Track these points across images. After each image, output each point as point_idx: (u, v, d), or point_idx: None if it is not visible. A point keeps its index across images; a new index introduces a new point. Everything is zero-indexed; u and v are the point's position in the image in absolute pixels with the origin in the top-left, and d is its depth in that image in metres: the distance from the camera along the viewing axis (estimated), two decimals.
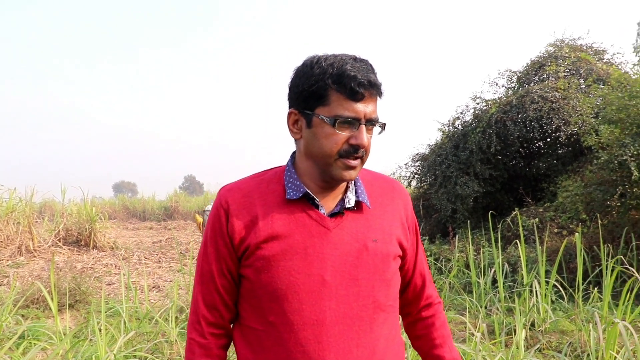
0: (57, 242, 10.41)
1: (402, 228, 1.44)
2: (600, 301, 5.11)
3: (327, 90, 1.26)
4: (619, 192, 6.46)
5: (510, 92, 11.01)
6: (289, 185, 1.36)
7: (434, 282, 1.69)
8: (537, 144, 10.24)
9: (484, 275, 6.19)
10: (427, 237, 9.53)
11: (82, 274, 7.46)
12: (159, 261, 10.16)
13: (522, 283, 5.63)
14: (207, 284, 1.37)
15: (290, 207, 1.34)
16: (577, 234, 5.51)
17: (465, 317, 4.70)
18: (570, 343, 4.36)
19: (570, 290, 5.56)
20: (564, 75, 9.96)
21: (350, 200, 1.37)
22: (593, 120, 8.47)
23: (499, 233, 6.68)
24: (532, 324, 4.89)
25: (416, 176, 11.14)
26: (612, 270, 4.88)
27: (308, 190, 1.35)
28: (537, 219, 7.87)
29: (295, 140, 1.39)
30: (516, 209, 7.95)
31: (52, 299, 4.21)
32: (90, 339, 4.57)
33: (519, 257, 6.18)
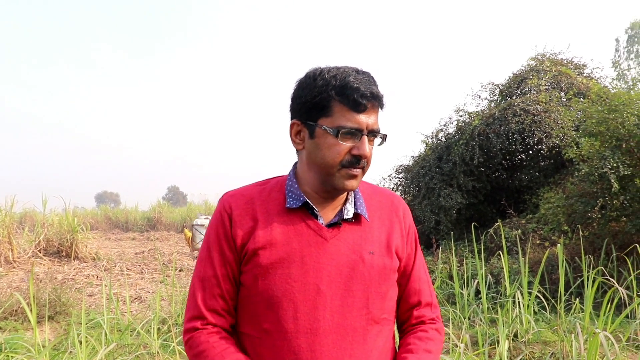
0: (38, 252, 10.27)
1: (400, 240, 1.45)
2: (582, 312, 5.15)
3: (330, 102, 1.28)
4: (599, 204, 6.54)
5: (492, 104, 11.13)
6: (290, 194, 1.38)
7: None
8: (519, 157, 10.35)
9: (467, 286, 6.21)
10: None
11: (62, 285, 7.36)
12: (142, 272, 10.05)
13: (505, 294, 5.66)
14: (210, 290, 1.35)
15: (290, 216, 1.36)
16: (559, 245, 5.56)
17: (449, 328, 4.70)
18: (552, 353, 4.39)
19: (553, 301, 5.60)
20: (545, 89, 10.10)
21: (349, 212, 1.39)
22: (574, 133, 8.60)
23: (482, 244, 6.72)
24: (515, 335, 4.92)
25: (400, 188, 11.18)
26: (594, 281, 4.93)
27: (308, 200, 1.36)
28: (519, 231, 7.94)
29: (297, 151, 1.41)
30: (499, 220, 8.01)
31: (31, 310, 4.15)
32: (70, 351, 4.50)
33: (502, 268, 6.21)
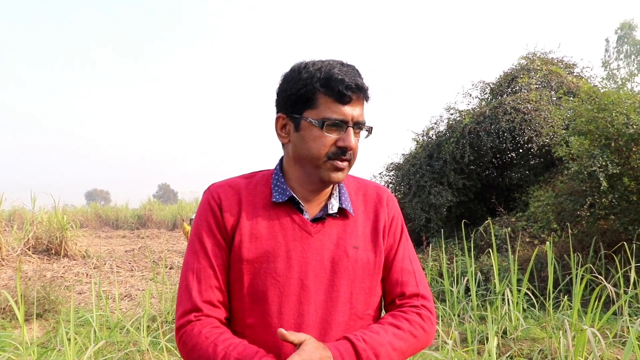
0: (27, 250, 10.19)
1: (382, 231, 1.43)
2: (570, 309, 5.18)
3: (315, 94, 1.28)
4: (588, 202, 6.59)
5: (483, 103, 11.18)
6: (276, 188, 1.37)
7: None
8: (509, 155, 10.40)
9: (457, 283, 6.23)
10: None
11: (51, 283, 7.31)
12: (132, 270, 10.01)
13: (494, 291, 5.69)
14: (206, 281, 1.30)
15: (275, 210, 1.35)
16: (548, 243, 5.60)
17: (439, 325, 4.72)
18: (540, 350, 4.41)
19: (542, 298, 5.64)
20: (536, 88, 10.15)
21: (334, 207, 1.38)
22: (564, 131, 8.65)
23: (472, 242, 6.74)
24: (504, 332, 4.94)
25: (390, 185, 11.20)
26: (582, 279, 4.96)
27: (294, 194, 1.36)
28: (509, 229, 7.97)
29: (283, 144, 1.40)
30: (489, 218, 8.05)
31: (18, 308, 4.12)
32: (59, 349, 4.47)
33: (492, 266, 6.24)
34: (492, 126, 9.31)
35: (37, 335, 5.44)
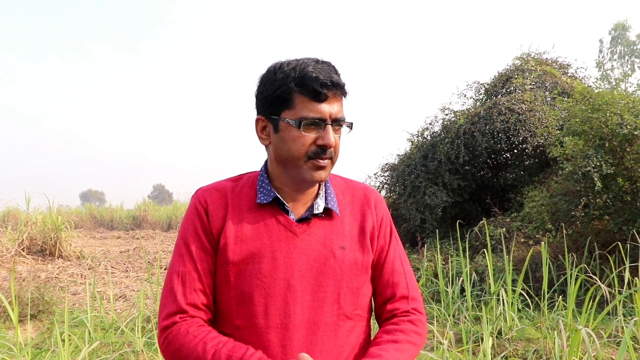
0: (21, 251, 10.14)
1: (371, 233, 1.43)
2: (565, 309, 5.20)
3: (291, 94, 1.28)
4: (583, 203, 6.60)
5: (478, 103, 11.19)
6: (261, 190, 1.37)
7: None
8: (504, 155, 10.42)
9: (452, 284, 6.24)
10: None
11: (46, 284, 7.28)
12: (127, 270, 9.98)
13: (489, 292, 5.70)
14: (190, 284, 1.31)
15: (261, 212, 1.36)
16: (543, 243, 5.61)
17: (433, 326, 4.73)
18: (535, 350, 4.42)
19: (536, 298, 5.65)
20: (530, 88, 10.18)
21: (319, 207, 1.38)
22: (558, 132, 8.67)
23: (467, 243, 6.77)
24: (499, 332, 4.95)
25: (385, 186, 11.21)
26: (576, 279, 4.98)
27: (278, 195, 1.36)
28: (504, 229, 7.99)
29: (265, 146, 1.41)
30: (484, 219, 8.06)
31: (12, 309, 4.10)
32: (53, 350, 4.45)
33: (487, 266, 6.25)
34: (487, 127, 9.33)
35: (32, 336, 5.41)
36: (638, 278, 5.28)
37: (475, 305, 5.90)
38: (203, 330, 1.26)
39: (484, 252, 7.06)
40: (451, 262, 7.16)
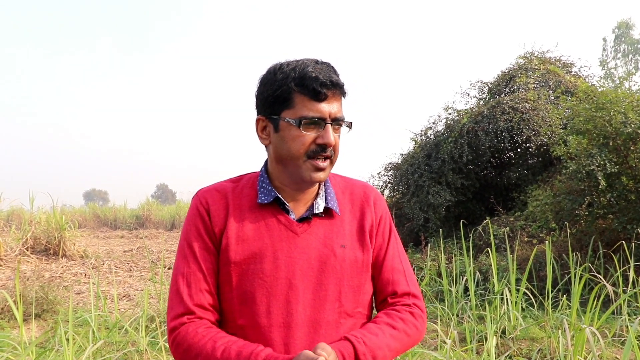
0: (25, 250, 10.17)
1: (370, 231, 1.45)
2: (569, 308, 5.18)
3: (291, 94, 1.30)
4: (586, 202, 6.59)
5: (481, 102, 11.18)
6: (262, 190, 1.39)
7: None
8: (507, 154, 10.40)
9: (456, 283, 6.23)
10: None
11: (50, 283, 7.30)
12: (130, 270, 10.00)
13: (493, 291, 5.69)
14: (196, 285, 1.33)
15: (262, 212, 1.37)
16: (546, 242, 5.60)
17: (437, 325, 4.72)
18: (539, 349, 4.42)
19: (540, 297, 5.64)
20: (534, 87, 10.16)
21: (320, 206, 1.39)
22: (562, 131, 8.65)
23: (470, 242, 6.74)
24: (503, 332, 4.94)
25: (389, 185, 11.20)
26: (581, 278, 4.96)
27: (279, 195, 1.37)
28: (507, 228, 7.98)
29: (265, 146, 1.42)
30: (487, 218, 8.06)
31: (17, 308, 4.11)
32: (57, 349, 4.47)
33: (490, 265, 6.24)
34: (490, 126, 9.32)
35: (36, 335, 5.43)
36: None
37: (479, 305, 5.89)
38: (212, 331, 1.28)
39: (487, 252, 7.05)
40: (455, 262, 7.14)
